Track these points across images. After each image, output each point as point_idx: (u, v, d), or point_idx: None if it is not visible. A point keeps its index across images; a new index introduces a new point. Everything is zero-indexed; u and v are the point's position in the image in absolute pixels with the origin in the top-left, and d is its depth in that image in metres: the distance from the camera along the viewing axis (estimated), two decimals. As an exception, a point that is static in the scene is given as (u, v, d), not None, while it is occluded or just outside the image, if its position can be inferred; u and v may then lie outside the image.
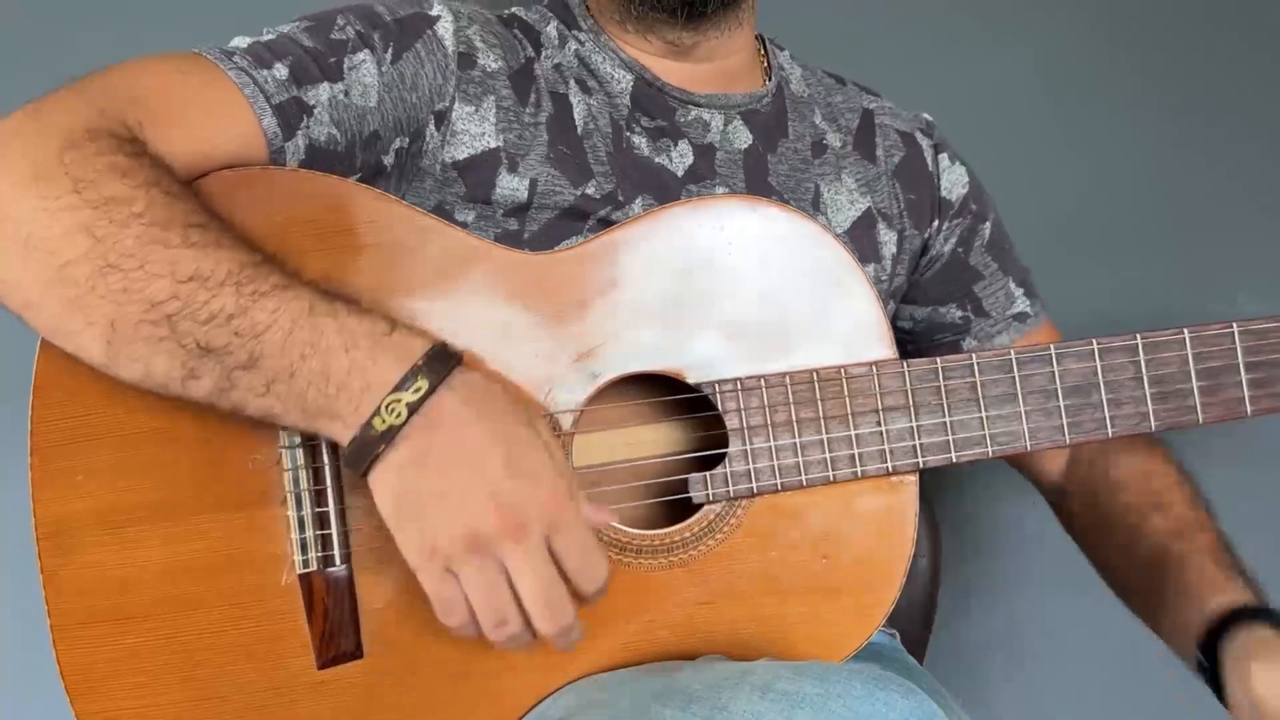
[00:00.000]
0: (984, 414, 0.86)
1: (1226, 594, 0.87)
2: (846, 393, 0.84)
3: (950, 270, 1.05)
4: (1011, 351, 0.86)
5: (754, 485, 0.83)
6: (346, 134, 0.83)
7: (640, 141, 0.93)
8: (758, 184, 0.96)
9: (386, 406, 0.67)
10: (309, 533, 0.75)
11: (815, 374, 0.84)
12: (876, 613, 0.85)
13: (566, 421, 0.81)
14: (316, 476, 0.76)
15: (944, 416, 0.85)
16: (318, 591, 0.76)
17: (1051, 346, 0.87)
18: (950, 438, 0.85)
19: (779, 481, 0.83)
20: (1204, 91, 1.48)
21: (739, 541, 0.84)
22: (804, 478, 0.84)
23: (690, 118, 0.95)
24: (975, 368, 0.86)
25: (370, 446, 0.68)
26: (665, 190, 0.92)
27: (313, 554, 0.76)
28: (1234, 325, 0.88)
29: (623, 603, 0.81)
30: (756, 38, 1.03)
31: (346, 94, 0.83)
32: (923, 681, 0.98)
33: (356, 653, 0.77)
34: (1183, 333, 0.88)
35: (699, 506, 0.83)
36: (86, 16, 1.22)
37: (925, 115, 1.07)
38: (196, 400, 0.70)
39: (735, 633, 0.83)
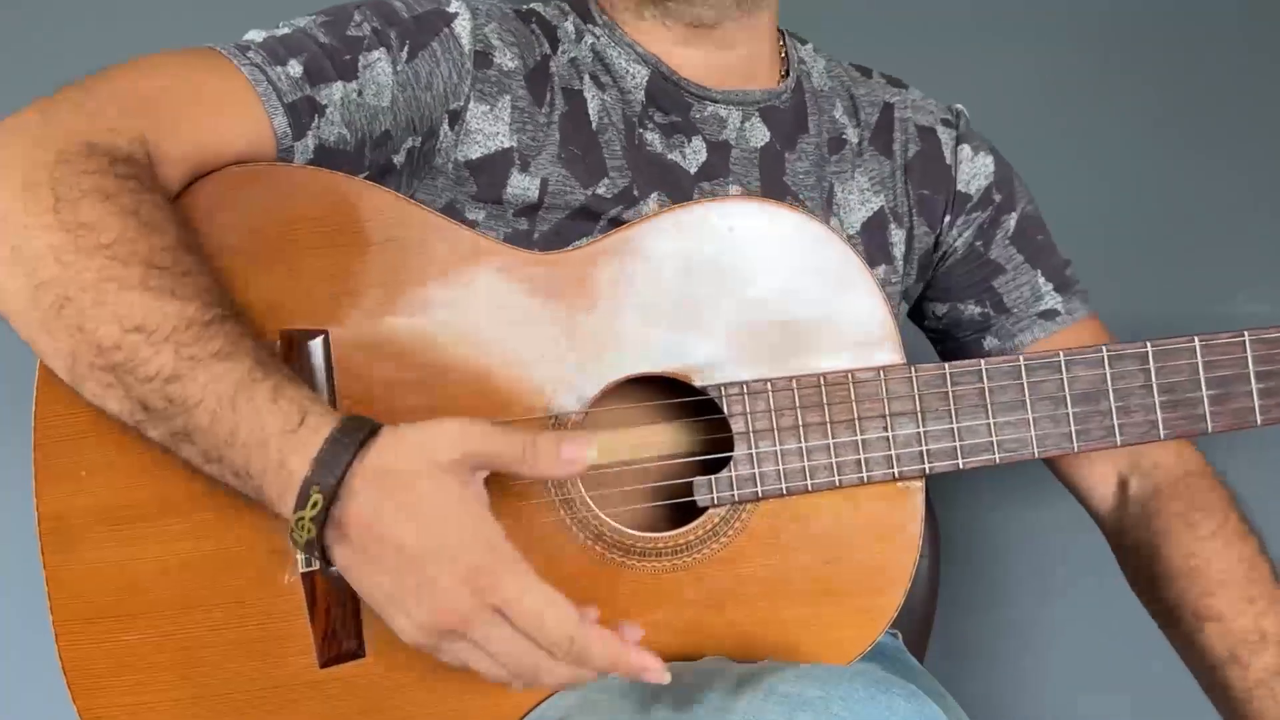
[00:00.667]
0: (991, 420, 0.85)
1: None
2: (853, 398, 0.84)
3: (967, 265, 1.02)
4: (1020, 358, 0.86)
5: (759, 489, 0.83)
6: (357, 134, 0.82)
7: (653, 138, 0.92)
8: (773, 182, 0.95)
9: (297, 524, 0.66)
10: (311, 532, 0.75)
11: (822, 378, 0.83)
12: (881, 617, 0.85)
13: (572, 423, 0.80)
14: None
15: (951, 422, 0.85)
16: (320, 590, 0.75)
17: (1061, 353, 0.86)
18: (957, 444, 0.85)
19: (784, 486, 0.83)
20: (1205, 92, 1.48)
21: (743, 545, 0.83)
22: (809, 482, 0.83)
23: (706, 114, 0.94)
24: (984, 374, 0.85)
25: (308, 552, 0.67)
26: (678, 187, 0.91)
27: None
28: (1245, 334, 0.88)
29: (626, 605, 0.81)
30: (779, 32, 1.01)
31: (360, 93, 0.82)
32: (923, 682, 0.98)
33: (358, 652, 0.77)
34: (1194, 341, 0.87)
35: (704, 510, 0.83)
36: (98, 9, 1.21)
37: (957, 106, 1.04)
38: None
39: (739, 636, 0.83)
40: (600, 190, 0.89)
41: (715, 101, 0.94)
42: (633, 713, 0.76)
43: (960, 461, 0.85)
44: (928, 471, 0.85)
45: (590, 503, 0.81)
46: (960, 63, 1.40)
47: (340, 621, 0.76)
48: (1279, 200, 1.48)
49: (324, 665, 0.76)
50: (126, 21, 1.21)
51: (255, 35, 0.82)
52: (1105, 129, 1.46)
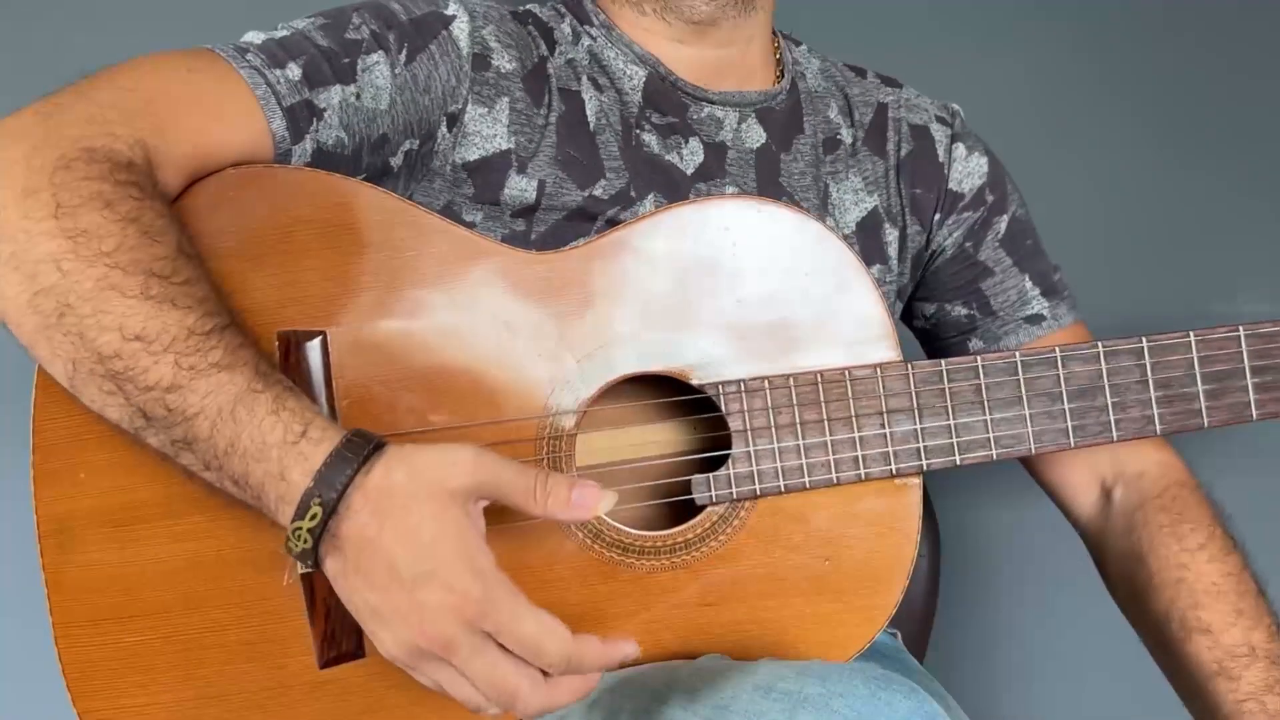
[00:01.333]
0: (988, 416, 0.86)
1: None
2: (850, 394, 0.84)
3: (955, 265, 1.02)
4: (1017, 354, 0.86)
5: (757, 487, 0.83)
6: (355, 137, 0.82)
7: (650, 139, 0.92)
8: (769, 183, 0.95)
9: (293, 533, 0.66)
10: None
11: (819, 375, 0.84)
12: (879, 615, 0.85)
13: (569, 422, 0.81)
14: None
15: (948, 419, 0.85)
16: (320, 591, 0.75)
17: (1057, 349, 0.86)
18: (954, 440, 0.85)
19: (782, 483, 0.83)
20: (1205, 92, 1.48)
21: (742, 543, 0.83)
22: (807, 479, 0.83)
23: (703, 115, 0.95)
24: (980, 370, 0.86)
25: (301, 561, 0.68)
26: (674, 188, 0.92)
27: (315, 553, 0.75)
28: (1240, 329, 0.88)
29: (625, 604, 0.81)
30: (774, 33, 1.01)
31: (358, 96, 0.82)
32: (923, 681, 0.98)
33: (358, 652, 0.77)
34: (1189, 336, 0.87)
35: (702, 508, 0.83)
36: (98, 9, 1.21)
37: (953, 105, 1.04)
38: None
39: (737, 634, 0.83)
40: (597, 191, 0.89)
41: (712, 103, 0.95)
42: (633, 712, 0.76)
43: (958, 458, 0.85)
44: (925, 468, 0.85)
45: (589, 502, 0.81)
46: (957, 62, 1.40)
47: (340, 622, 0.76)
48: (1278, 200, 1.48)
49: (324, 666, 0.76)
50: (126, 21, 1.21)
51: (254, 37, 0.82)
52: (1105, 129, 1.46)
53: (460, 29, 0.87)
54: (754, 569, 0.83)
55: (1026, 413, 0.86)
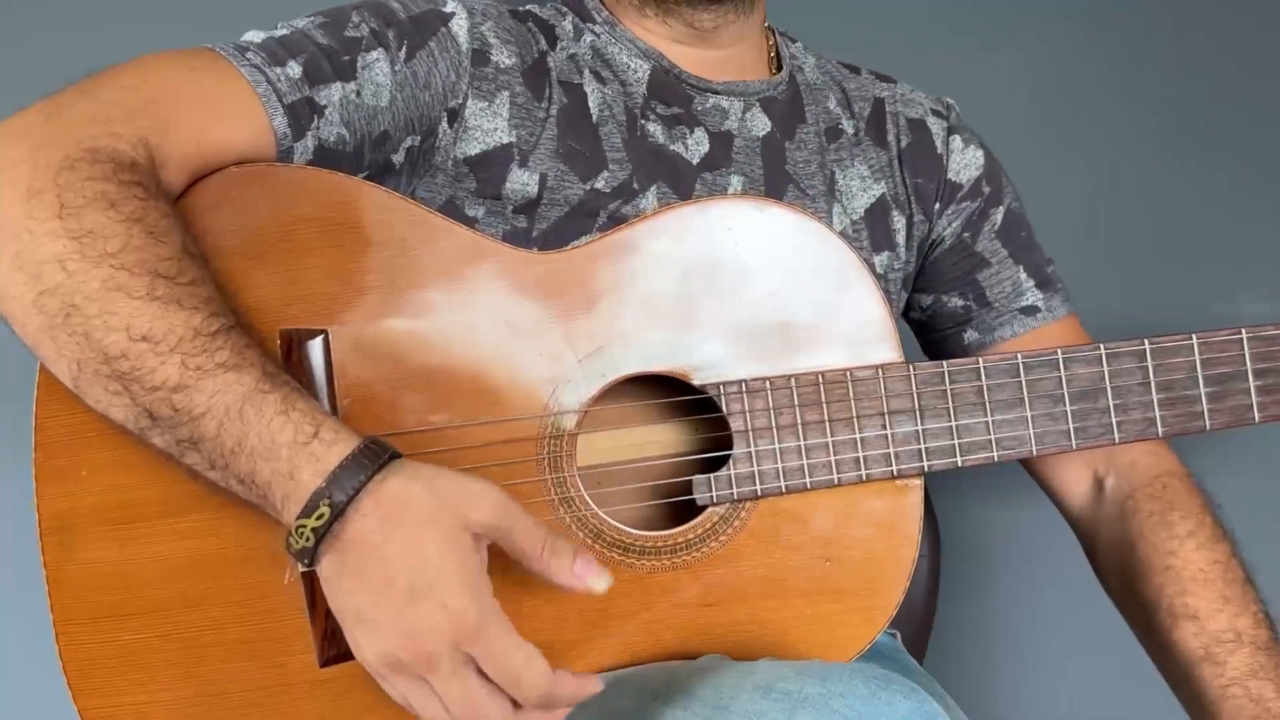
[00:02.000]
0: (990, 418, 0.86)
1: None
2: (852, 395, 0.84)
3: (953, 256, 1.02)
4: (1019, 356, 0.86)
5: (758, 487, 0.83)
6: (356, 134, 0.82)
7: (655, 129, 0.93)
8: (775, 171, 0.96)
9: (296, 530, 0.66)
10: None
11: (821, 376, 0.84)
12: (880, 616, 0.85)
13: (571, 421, 0.81)
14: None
15: (950, 420, 0.85)
16: (320, 590, 0.75)
17: (1059, 351, 0.86)
18: (956, 441, 0.85)
19: (783, 484, 0.83)
20: (1205, 92, 1.48)
21: (742, 543, 0.83)
22: (808, 480, 0.83)
23: (708, 105, 0.95)
24: (982, 371, 0.86)
25: (298, 559, 0.68)
26: (679, 178, 0.92)
27: (316, 552, 0.75)
28: (1243, 331, 0.88)
29: (625, 604, 0.81)
30: (767, 29, 1.02)
31: (359, 93, 0.82)
32: (922, 682, 0.98)
33: (359, 651, 0.77)
34: (1191, 338, 0.87)
35: (703, 508, 0.83)
36: (98, 9, 1.21)
37: (947, 99, 1.05)
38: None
39: (738, 634, 0.83)
40: (599, 184, 0.89)
41: (717, 93, 0.95)
42: (633, 712, 0.76)
43: (959, 459, 0.85)
44: (926, 469, 0.85)
45: (590, 501, 0.81)
46: (957, 62, 1.40)
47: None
48: (1278, 200, 1.48)
49: (324, 664, 0.76)
50: (127, 21, 1.21)
51: (254, 36, 0.82)
52: (1105, 129, 1.46)
53: (459, 25, 0.88)
54: (755, 569, 0.83)
55: (1028, 414, 0.86)
